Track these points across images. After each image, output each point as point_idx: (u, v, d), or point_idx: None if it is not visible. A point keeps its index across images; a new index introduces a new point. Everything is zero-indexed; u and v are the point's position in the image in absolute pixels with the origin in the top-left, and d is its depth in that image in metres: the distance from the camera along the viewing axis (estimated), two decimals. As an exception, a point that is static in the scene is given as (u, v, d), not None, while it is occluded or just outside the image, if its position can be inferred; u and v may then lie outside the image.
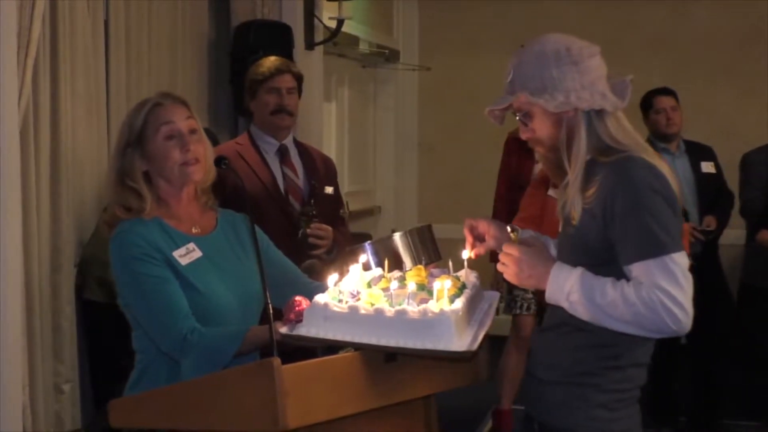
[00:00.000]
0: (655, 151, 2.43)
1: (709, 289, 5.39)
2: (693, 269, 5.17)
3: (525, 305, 5.18)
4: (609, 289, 2.26)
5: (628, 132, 2.40)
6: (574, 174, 2.37)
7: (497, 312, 5.19)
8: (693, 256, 5.26)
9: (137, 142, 2.66)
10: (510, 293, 5.33)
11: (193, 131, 2.69)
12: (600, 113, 2.37)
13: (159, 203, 2.69)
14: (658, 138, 5.46)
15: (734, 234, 5.94)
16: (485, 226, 2.65)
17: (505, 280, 5.20)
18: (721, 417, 5.61)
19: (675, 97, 5.51)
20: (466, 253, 2.63)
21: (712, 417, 5.58)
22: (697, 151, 5.54)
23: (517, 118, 2.45)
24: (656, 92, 5.54)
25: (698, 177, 5.44)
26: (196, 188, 2.75)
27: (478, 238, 2.65)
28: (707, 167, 5.49)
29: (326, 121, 6.72)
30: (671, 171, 2.37)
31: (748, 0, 7.44)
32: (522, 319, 5.22)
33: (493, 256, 2.51)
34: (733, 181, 5.65)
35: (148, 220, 2.63)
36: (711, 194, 5.46)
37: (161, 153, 2.64)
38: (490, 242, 2.64)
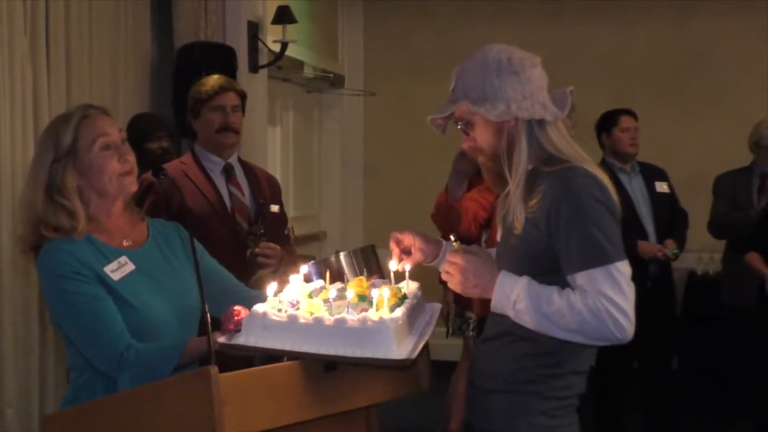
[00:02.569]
0: (602, 167, 2.45)
1: (663, 311, 5.48)
2: (649, 291, 5.25)
3: (476, 327, 5.15)
4: (555, 297, 2.26)
5: (569, 142, 2.42)
6: (515, 183, 2.38)
7: (447, 335, 5.24)
8: (651, 279, 5.33)
9: (68, 157, 2.57)
10: (461, 315, 5.30)
11: (123, 141, 2.65)
12: (541, 123, 2.39)
13: (88, 219, 2.59)
14: (617, 157, 5.52)
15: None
16: (411, 239, 2.63)
17: (455, 302, 5.19)
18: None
19: (636, 119, 5.59)
20: (394, 265, 2.62)
21: None
22: (651, 172, 5.61)
23: (459, 127, 2.45)
24: (621, 112, 5.59)
25: (653, 196, 5.51)
26: (124, 199, 2.69)
27: (405, 251, 2.64)
28: (661, 187, 5.56)
29: (271, 146, 6.70)
30: (611, 182, 2.40)
31: (689, 25, 7.60)
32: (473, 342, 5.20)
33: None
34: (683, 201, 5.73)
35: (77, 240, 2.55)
36: (666, 213, 5.52)
37: (97, 165, 2.58)
38: (416, 255, 2.63)
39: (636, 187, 5.51)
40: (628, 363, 5.56)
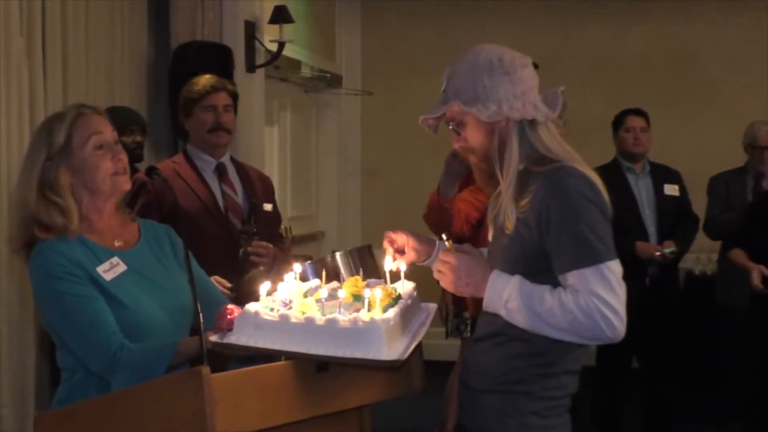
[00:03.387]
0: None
1: (667, 312, 5.46)
2: (648, 291, 5.22)
3: (473, 327, 5.13)
4: (547, 296, 2.27)
5: (560, 142, 2.42)
6: (507, 183, 2.39)
7: (446, 336, 5.24)
8: (650, 278, 5.32)
9: (61, 155, 2.57)
10: (459, 316, 5.29)
11: (116, 141, 2.65)
12: (532, 123, 2.40)
13: (80, 219, 2.59)
14: (625, 157, 5.54)
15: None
16: (404, 239, 2.63)
17: (453, 303, 5.19)
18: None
19: (646, 119, 5.61)
20: (388, 264, 2.62)
21: None
22: (663, 174, 5.61)
23: (450, 127, 2.46)
24: (628, 112, 5.63)
25: (660, 198, 5.50)
26: (116, 201, 2.68)
27: (399, 251, 2.64)
28: (670, 189, 5.55)
29: (268, 146, 6.70)
30: (602, 181, 2.40)
31: (683, 25, 7.65)
32: None
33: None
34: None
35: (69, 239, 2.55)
36: (672, 216, 5.50)
37: (91, 164, 2.58)
38: (410, 254, 2.63)
39: (642, 188, 5.51)
40: (626, 363, 5.56)
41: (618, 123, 5.61)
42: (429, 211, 4.01)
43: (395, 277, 2.62)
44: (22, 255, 2.59)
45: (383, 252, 2.66)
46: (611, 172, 5.42)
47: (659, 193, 5.52)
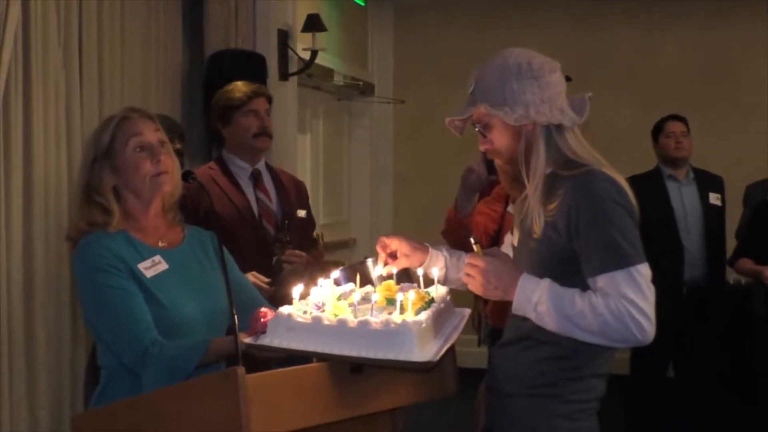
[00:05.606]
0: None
1: (704, 322, 5.41)
2: (685, 299, 5.11)
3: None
4: (577, 299, 2.28)
5: (586, 147, 2.44)
6: (533, 187, 2.40)
7: (478, 343, 5.24)
8: (687, 287, 5.26)
9: (105, 157, 2.66)
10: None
11: (161, 143, 2.70)
12: (559, 128, 2.41)
13: (126, 217, 2.68)
14: (667, 163, 5.51)
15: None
16: (397, 244, 2.67)
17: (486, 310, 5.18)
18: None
19: (686, 124, 5.59)
20: (379, 269, 2.66)
21: None
22: (706, 181, 5.57)
23: (477, 129, 2.47)
24: (667, 118, 5.63)
25: (706, 208, 5.46)
26: (164, 203, 2.75)
27: (392, 256, 2.67)
28: (714, 199, 5.51)
29: (300, 153, 6.73)
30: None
31: (716, 38, 7.60)
32: None
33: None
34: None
35: (113, 233, 2.63)
36: (716, 227, 5.47)
37: (131, 165, 2.65)
38: (401, 260, 2.67)
39: (687, 197, 5.47)
40: (662, 371, 5.51)
41: (658, 130, 5.58)
42: (447, 226, 4.01)
43: (429, 281, 2.65)
44: (70, 250, 2.66)
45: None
46: (650, 180, 5.39)
47: (705, 203, 5.47)
